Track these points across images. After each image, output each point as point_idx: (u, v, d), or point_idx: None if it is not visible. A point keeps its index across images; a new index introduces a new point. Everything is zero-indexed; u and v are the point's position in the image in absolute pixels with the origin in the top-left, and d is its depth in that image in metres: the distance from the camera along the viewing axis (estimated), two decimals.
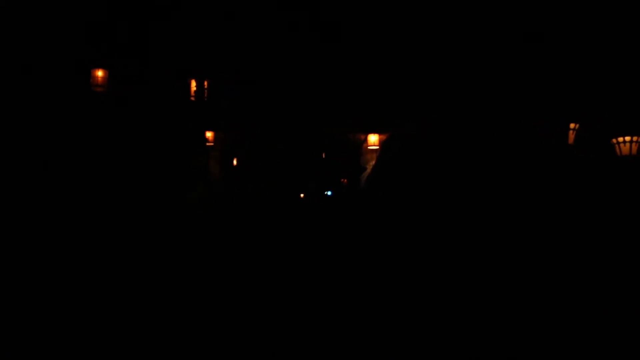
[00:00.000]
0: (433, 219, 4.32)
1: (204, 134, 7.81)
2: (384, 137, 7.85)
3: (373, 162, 7.95)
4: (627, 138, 6.16)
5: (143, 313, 4.04)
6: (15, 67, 5.95)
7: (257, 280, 4.60)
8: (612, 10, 6.14)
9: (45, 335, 3.64)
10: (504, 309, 3.78)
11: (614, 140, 6.24)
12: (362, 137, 8.13)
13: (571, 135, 6.35)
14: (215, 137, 8.04)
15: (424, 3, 6.57)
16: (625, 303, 3.77)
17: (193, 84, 7.26)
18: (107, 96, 6.56)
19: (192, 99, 7.32)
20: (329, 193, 7.81)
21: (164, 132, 6.81)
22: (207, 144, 7.89)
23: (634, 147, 6.12)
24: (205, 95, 7.32)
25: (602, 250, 4.30)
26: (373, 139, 7.97)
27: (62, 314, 3.95)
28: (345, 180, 7.99)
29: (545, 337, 3.50)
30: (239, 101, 7.71)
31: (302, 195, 7.84)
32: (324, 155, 8.31)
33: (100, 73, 6.50)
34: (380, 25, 6.94)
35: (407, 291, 4.02)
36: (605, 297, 3.83)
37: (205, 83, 7.30)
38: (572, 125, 6.34)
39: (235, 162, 8.25)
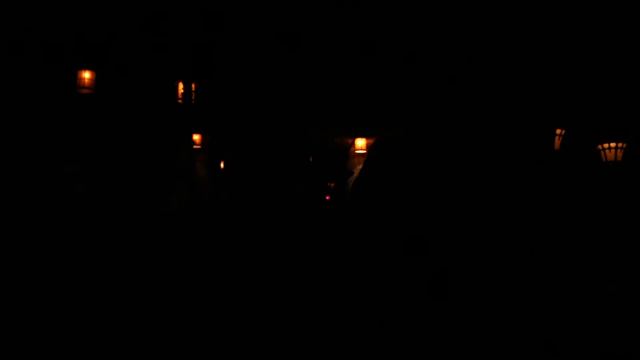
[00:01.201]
0: (423, 222, 4.31)
1: (191, 137, 7.77)
2: (371, 141, 7.87)
3: (360, 166, 7.97)
4: (613, 144, 6.23)
5: (121, 317, 3.99)
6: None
7: (248, 282, 4.57)
8: (601, 17, 6.19)
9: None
10: (496, 307, 3.79)
11: (600, 146, 6.30)
12: (350, 141, 8.13)
13: (557, 141, 6.40)
14: (203, 140, 8.00)
15: (413, 6, 6.59)
16: (617, 300, 3.80)
17: (180, 86, 7.21)
18: (93, 98, 6.51)
19: (180, 101, 7.27)
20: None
21: (151, 134, 6.77)
22: (195, 146, 7.84)
23: (619, 153, 6.18)
24: (193, 97, 7.27)
25: (591, 251, 4.33)
26: (360, 143, 7.98)
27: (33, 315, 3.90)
28: (333, 184, 7.98)
29: (533, 335, 3.51)
30: (226, 104, 7.68)
31: (290, 196, 7.81)
32: (311, 159, 8.29)
33: (87, 74, 6.45)
34: (368, 30, 6.96)
35: (398, 292, 4.02)
36: (596, 294, 3.86)
37: (193, 85, 7.26)
38: (558, 131, 6.39)
39: (222, 164, 8.20)
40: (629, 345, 3.43)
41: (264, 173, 7.61)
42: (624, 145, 6.22)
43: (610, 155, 6.19)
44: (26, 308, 4.03)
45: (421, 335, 3.64)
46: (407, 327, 3.70)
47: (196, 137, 7.86)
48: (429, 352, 3.50)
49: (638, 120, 6.33)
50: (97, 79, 6.50)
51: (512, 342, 3.49)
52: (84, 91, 6.45)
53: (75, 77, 6.42)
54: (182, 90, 7.23)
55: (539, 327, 3.59)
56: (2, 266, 4.52)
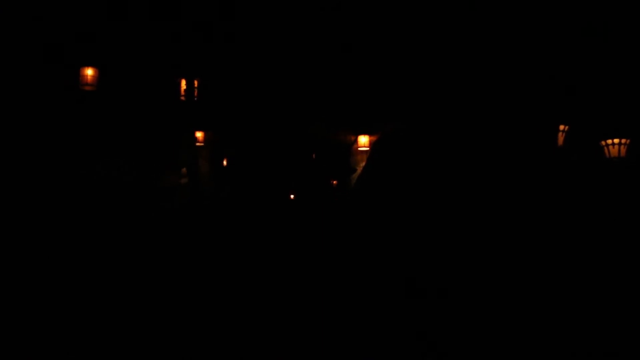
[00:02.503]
0: (427, 219, 4.30)
1: (194, 134, 7.77)
2: (374, 138, 7.85)
3: (363, 163, 7.95)
4: (616, 140, 6.20)
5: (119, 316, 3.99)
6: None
7: (250, 282, 4.56)
8: (603, 12, 6.17)
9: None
10: (498, 308, 3.79)
11: (603, 142, 6.27)
12: (352, 138, 8.11)
13: (560, 137, 6.38)
14: (206, 136, 8.00)
15: (414, 2, 6.58)
16: (619, 301, 3.78)
17: (183, 83, 7.20)
18: (96, 95, 6.49)
19: (182, 98, 7.27)
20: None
21: (153, 131, 6.77)
22: (197, 143, 7.85)
23: (623, 149, 6.15)
24: (195, 94, 7.26)
25: (594, 249, 4.31)
26: (363, 140, 7.96)
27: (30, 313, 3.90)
28: (335, 181, 7.97)
29: (533, 336, 3.51)
30: (229, 101, 7.68)
31: (291, 195, 7.82)
32: (314, 156, 8.28)
33: (90, 71, 6.43)
34: (369, 27, 6.95)
35: (402, 290, 4.01)
36: (598, 295, 3.84)
37: (196, 82, 7.25)
38: (561, 127, 6.37)
39: (225, 162, 8.20)
40: (629, 345, 3.42)
41: (265, 170, 7.61)
42: (628, 141, 6.20)
43: (614, 151, 6.17)
44: (28, 305, 4.04)
45: (421, 335, 3.63)
46: (407, 327, 3.70)
47: (199, 134, 7.86)
48: (429, 352, 3.50)
49: None
50: (99, 76, 6.49)
51: (515, 343, 3.48)
52: (87, 88, 6.43)
53: (77, 74, 6.41)
54: (184, 87, 7.22)
55: (542, 328, 3.58)
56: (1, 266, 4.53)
